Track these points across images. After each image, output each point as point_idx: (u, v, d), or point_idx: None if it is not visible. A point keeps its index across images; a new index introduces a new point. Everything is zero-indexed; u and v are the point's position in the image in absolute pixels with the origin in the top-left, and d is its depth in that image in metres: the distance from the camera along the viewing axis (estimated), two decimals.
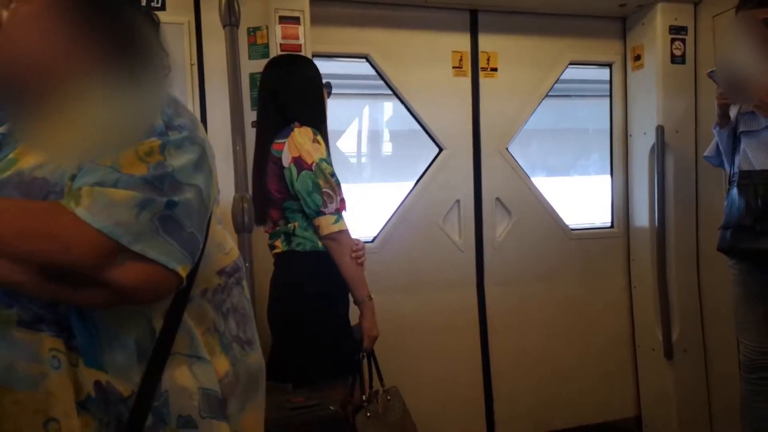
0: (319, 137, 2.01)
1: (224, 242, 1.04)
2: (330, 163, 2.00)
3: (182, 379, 0.91)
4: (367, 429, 2.00)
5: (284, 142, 1.99)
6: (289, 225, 2.03)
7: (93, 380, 0.85)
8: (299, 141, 1.96)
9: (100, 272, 0.79)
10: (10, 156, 0.86)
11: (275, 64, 2.16)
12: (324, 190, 1.95)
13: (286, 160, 1.97)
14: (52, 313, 0.84)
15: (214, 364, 0.95)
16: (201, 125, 0.95)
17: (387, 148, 4.49)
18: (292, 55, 2.32)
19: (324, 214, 1.96)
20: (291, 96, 2.07)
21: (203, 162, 0.90)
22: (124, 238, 0.79)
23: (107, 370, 0.86)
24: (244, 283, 1.08)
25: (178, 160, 0.86)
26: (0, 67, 0.90)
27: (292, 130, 1.99)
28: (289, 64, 2.16)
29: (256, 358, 1.06)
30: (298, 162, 1.95)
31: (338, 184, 2.00)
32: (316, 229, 2.00)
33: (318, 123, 2.07)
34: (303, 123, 2.01)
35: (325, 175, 1.95)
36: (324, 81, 2.16)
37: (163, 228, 0.83)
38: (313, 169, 1.94)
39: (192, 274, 0.92)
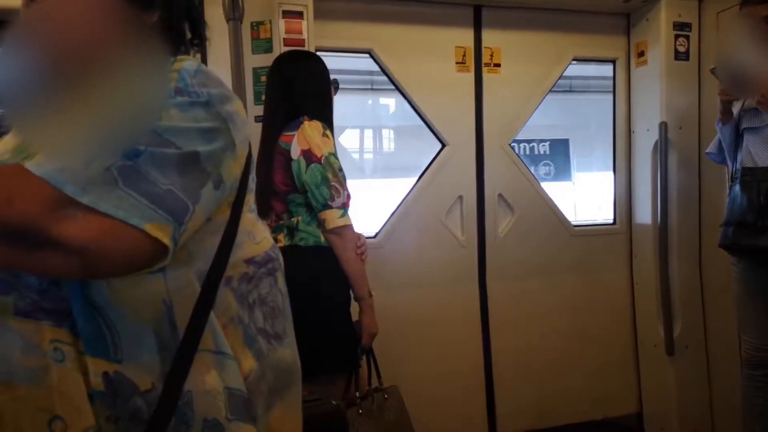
0: (328, 132, 2.02)
1: (255, 231, 0.96)
2: (338, 158, 2.01)
3: (207, 377, 0.82)
4: (357, 425, 2.01)
5: (293, 135, 2.00)
6: (293, 219, 2.04)
7: (101, 372, 0.77)
8: (309, 134, 1.97)
9: (47, 227, 0.69)
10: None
11: (286, 59, 2.16)
12: (332, 183, 1.96)
13: (295, 152, 1.98)
14: (51, 300, 0.77)
15: (239, 360, 0.87)
16: (239, 104, 0.88)
17: (389, 143, 4.50)
18: (301, 50, 2.33)
19: (331, 207, 1.97)
20: (301, 91, 2.07)
21: (218, 135, 0.82)
22: (69, 187, 0.69)
23: (120, 359, 0.78)
24: (279, 275, 1.00)
25: (173, 121, 0.77)
26: (43, 40, 0.84)
27: (301, 123, 2.00)
28: (300, 60, 2.16)
29: (287, 354, 0.98)
30: (308, 155, 1.96)
31: (345, 180, 2.01)
32: (320, 223, 2.00)
33: (326, 118, 2.08)
34: (312, 117, 2.02)
35: (333, 169, 1.97)
36: (331, 78, 2.17)
37: (124, 180, 0.72)
38: (323, 162, 1.95)
39: (222, 262, 0.86)
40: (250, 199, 0.96)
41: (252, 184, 0.96)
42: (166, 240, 0.74)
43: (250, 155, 0.94)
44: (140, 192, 0.72)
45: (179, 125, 0.77)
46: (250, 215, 0.95)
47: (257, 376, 0.90)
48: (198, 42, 0.98)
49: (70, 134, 0.75)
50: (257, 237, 0.96)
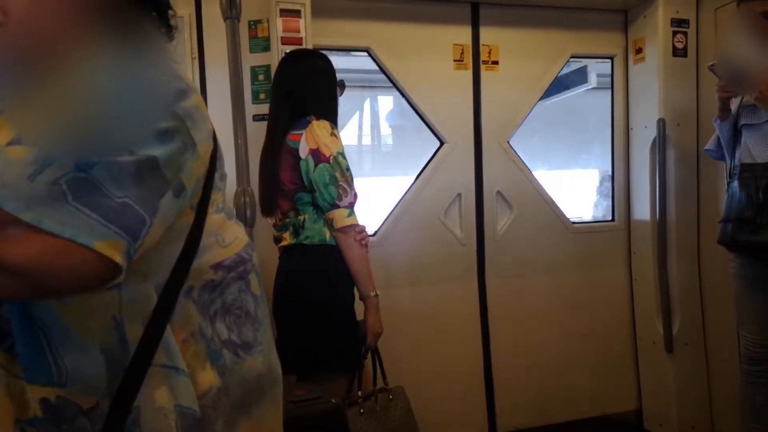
0: (335, 131, 2.03)
1: (224, 232, 0.90)
2: (345, 158, 2.01)
3: (157, 394, 0.77)
4: (358, 424, 2.00)
5: (301, 134, 2.00)
6: (299, 217, 2.04)
7: (38, 398, 0.73)
8: (318, 133, 1.98)
9: None
10: None
11: (293, 58, 2.16)
12: (340, 183, 1.97)
13: (304, 151, 1.98)
14: None
15: (197, 377, 0.82)
16: (197, 98, 0.82)
17: (388, 141, 4.50)
18: (308, 49, 2.33)
19: (338, 207, 1.98)
20: (309, 90, 2.08)
21: (175, 135, 0.76)
22: (9, 203, 0.63)
23: (63, 382, 0.73)
24: (251, 277, 0.94)
25: None
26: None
27: (309, 122, 2.00)
28: (306, 59, 2.16)
29: (256, 363, 0.91)
30: (316, 154, 1.97)
31: (352, 179, 2.02)
32: (328, 222, 2.01)
33: (331, 118, 2.08)
34: (319, 117, 2.03)
35: (341, 168, 1.97)
36: (338, 79, 2.17)
37: (74, 194, 0.66)
38: (331, 161, 1.96)
39: (183, 272, 0.80)
40: (218, 199, 0.90)
41: (220, 182, 0.91)
42: (119, 258, 0.68)
43: (215, 151, 0.88)
44: (91, 206, 0.66)
45: (132, 128, 0.72)
46: (217, 216, 0.89)
47: (219, 392, 0.85)
48: (167, 31, 0.92)
49: (27, 135, 0.69)
50: (226, 239, 0.90)
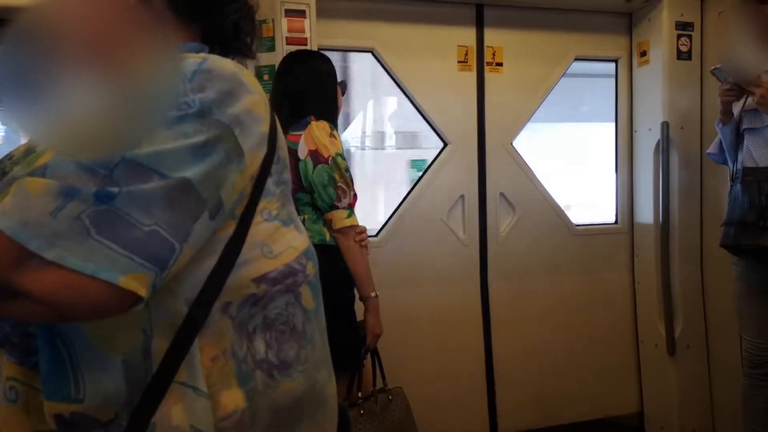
0: (335, 132, 2.03)
1: (273, 242, 0.83)
2: (345, 159, 2.02)
3: (174, 411, 0.73)
4: (358, 425, 2.00)
5: (300, 134, 2.01)
6: (299, 217, 2.04)
7: (53, 413, 0.71)
8: (316, 134, 1.98)
9: (13, 281, 0.63)
10: (39, 149, 0.74)
11: (293, 59, 2.16)
12: (339, 184, 1.97)
13: (303, 152, 1.99)
14: (19, 334, 0.71)
15: (221, 398, 0.76)
16: (251, 100, 0.76)
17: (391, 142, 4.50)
18: (309, 50, 2.33)
19: (337, 208, 1.99)
20: (308, 91, 2.08)
21: (216, 147, 0.71)
22: (33, 242, 0.62)
23: (81, 398, 0.72)
24: (303, 289, 0.88)
25: (157, 143, 0.67)
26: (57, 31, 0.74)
27: (308, 123, 2.01)
28: (307, 60, 2.16)
29: (294, 385, 0.84)
30: (315, 155, 1.97)
31: (351, 180, 2.02)
32: (327, 223, 2.01)
33: (331, 118, 2.08)
34: (318, 118, 2.03)
35: (340, 169, 1.98)
36: (340, 79, 2.17)
37: (97, 228, 0.63)
38: (330, 163, 1.96)
39: (216, 287, 0.76)
40: (271, 206, 0.83)
41: (275, 188, 0.84)
42: (143, 291, 0.66)
43: (270, 155, 0.81)
44: (116, 239, 0.64)
45: (163, 148, 0.67)
46: (267, 225, 0.82)
47: (243, 414, 0.79)
48: (238, 44, 0.89)
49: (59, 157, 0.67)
50: (275, 249, 0.83)
